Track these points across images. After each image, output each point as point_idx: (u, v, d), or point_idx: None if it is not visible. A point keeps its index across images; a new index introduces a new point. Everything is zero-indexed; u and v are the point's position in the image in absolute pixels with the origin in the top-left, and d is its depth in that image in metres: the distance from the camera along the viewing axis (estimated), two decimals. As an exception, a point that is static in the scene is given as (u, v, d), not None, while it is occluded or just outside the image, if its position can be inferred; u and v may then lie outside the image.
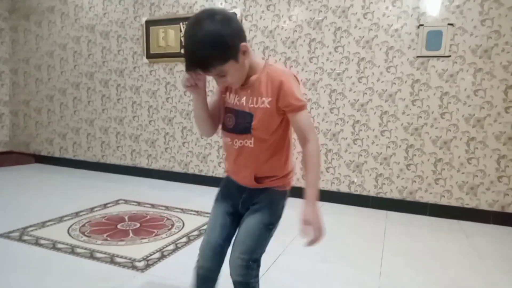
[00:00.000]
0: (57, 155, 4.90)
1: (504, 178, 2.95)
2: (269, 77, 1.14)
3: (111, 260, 2.13)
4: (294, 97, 1.13)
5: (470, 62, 2.97)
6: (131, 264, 2.07)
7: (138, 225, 2.72)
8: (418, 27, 3.08)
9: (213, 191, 1.38)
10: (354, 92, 3.33)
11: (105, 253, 2.22)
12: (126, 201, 3.32)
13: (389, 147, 3.26)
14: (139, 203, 3.26)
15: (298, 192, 3.60)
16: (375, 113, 3.28)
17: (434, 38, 3.04)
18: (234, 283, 1.22)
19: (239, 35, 1.07)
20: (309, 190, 1.15)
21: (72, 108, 4.72)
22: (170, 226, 2.71)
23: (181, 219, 2.86)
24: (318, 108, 3.45)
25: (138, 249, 2.29)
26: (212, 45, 1.01)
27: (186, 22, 1.08)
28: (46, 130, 4.94)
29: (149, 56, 4.15)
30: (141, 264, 2.08)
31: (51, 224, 2.68)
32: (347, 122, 3.38)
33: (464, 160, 3.05)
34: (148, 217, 2.91)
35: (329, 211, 3.05)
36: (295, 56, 3.51)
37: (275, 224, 1.28)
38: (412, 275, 2.07)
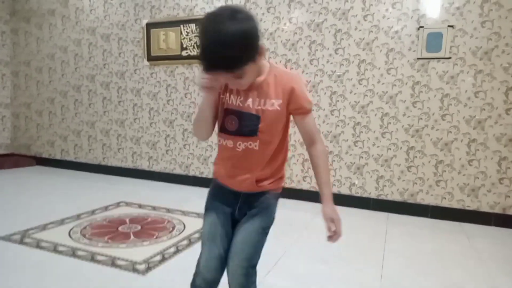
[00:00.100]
0: (58, 157, 4.90)
1: (505, 180, 2.95)
2: (278, 79, 1.13)
3: (112, 263, 2.13)
4: (307, 100, 1.15)
5: (470, 64, 2.97)
6: (132, 267, 2.07)
7: (139, 227, 2.73)
8: (418, 29, 3.09)
9: (214, 194, 1.37)
10: (355, 94, 3.34)
11: (106, 255, 2.22)
12: (127, 204, 3.32)
13: (390, 149, 3.26)
14: (140, 206, 3.27)
15: (294, 194, 3.52)
16: (375, 115, 3.29)
17: (434, 40, 3.04)
18: None
19: (259, 34, 1.04)
20: (325, 189, 1.19)
21: (73, 111, 4.73)
22: (171, 229, 2.71)
23: (182, 222, 2.86)
24: (319, 110, 3.46)
25: (139, 251, 2.29)
26: (238, 45, 0.96)
27: (202, 20, 1.00)
28: (47, 132, 4.95)
29: (150, 58, 4.16)
30: (142, 267, 2.08)
31: (52, 227, 2.68)
32: (348, 124, 3.38)
33: (465, 162, 3.05)
34: (149, 219, 2.91)
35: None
36: (296, 58, 3.52)
37: (270, 227, 1.26)
38: (413, 277, 2.07)
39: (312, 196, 3.42)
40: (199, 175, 4.04)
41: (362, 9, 3.25)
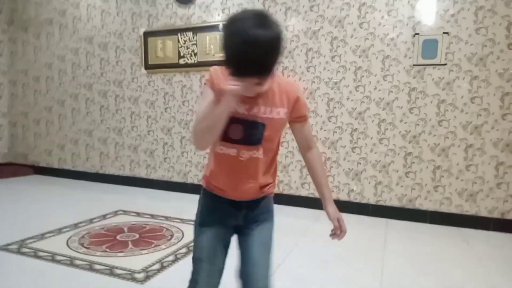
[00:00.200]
0: (56, 166, 4.89)
1: (503, 184, 2.96)
2: (282, 87, 1.13)
3: (111, 272, 2.11)
4: (307, 108, 1.19)
5: (466, 70, 3.00)
6: (131, 276, 2.06)
7: (138, 236, 2.71)
8: (414, 36, 3.12)
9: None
10: (352, 100, 3.36)
11: (104, 264, 2.20)
12: (125, 212, 3.31)
13: (388, 155, 3.27)
14: (138, 214, 3.25)
15: (293, 201, 3.51)
16: (373, 121, 3.30)
17: (429, 47, 3.07)
18: None
19: None
20: (326, 190, 1.23)
21: (70, 119, 4.72)
22: (170, 237, 2.70)
23: (180, 229, 2.85)
24: (316, 117, 3.47)
25: (138, 260, 2.28)
26: (274, 50, 0.95)
27: (230, 24, 0.96)
28: (45, 141, 4.94)
29: (147, 67, 4.17)
30: (140, 276, 2.07)
31: (50, 236, 2.66)
32: (345, 130, 3.40)
33: (463, 167, 3.06)
34: (148, 227, 2.90)
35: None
36: (292, 65, 3.54)
37: None
38: (413, 283, 2.06)
39: (310, 203, 3.42)
40: (197, 183, 4.03)
41: (358, 17, 3.29)
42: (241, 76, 0.96)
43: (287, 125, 1.20)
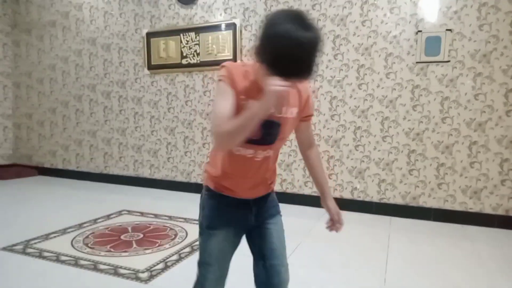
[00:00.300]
0: (60, 167, 4.91)
1: (507, 181, 2.94)
2: (295, 87, 1.11)
3: (115, 271, 2.12)
4: (313, 107, 1.18)
5: (469, 67, 2.98)
6: (135, 276, 2.07)
7: (142, 235, 2.72)
8: (417, 33, 3.10)
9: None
10: (355, 98, 3.35)
11: (108, 264, 2.21)
12: (129, 212, 3.32)
13: (391, 152, 3.26)
14: (142, 214, 3.26)
15: (296, 199, 3.50)
16: (376, 119, 3.29)
17: (433, 44, 3.05)
18: None
19: None
20: (326, 187, 1.28)
21: (74, 120, 4.75)
22: (173, 236, 2.70)
23: (184, 229, 2.86)
24: (319, 115, 3.46)
25: (142, 260, 2.29)
26: (318, 52, 0.94)
27: (273, 25, 0.94)
28: (49, 142, 4.97)
29: (150, 67, 4.19)
30: (144, 275, 2.07)
31: (54, 236, 2.68)
32: (349, 128, 3.39)
33: (467, 164, 3.04)
34: (151, 227, 2.91)
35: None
36: (295, 64, 3.53)
37: None
38: (417, 281, 2.05)
39: (313, 201, 3.41)
40: (201, 182, 4.03)
41: (360, 15, 3.28)
42: (286, 77, 0.93)
43: None
